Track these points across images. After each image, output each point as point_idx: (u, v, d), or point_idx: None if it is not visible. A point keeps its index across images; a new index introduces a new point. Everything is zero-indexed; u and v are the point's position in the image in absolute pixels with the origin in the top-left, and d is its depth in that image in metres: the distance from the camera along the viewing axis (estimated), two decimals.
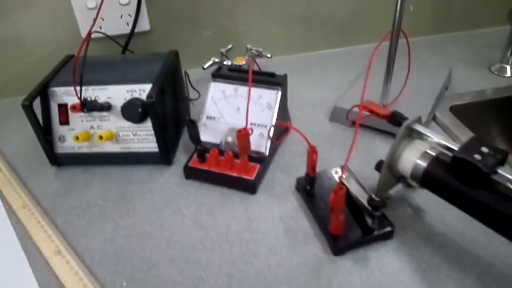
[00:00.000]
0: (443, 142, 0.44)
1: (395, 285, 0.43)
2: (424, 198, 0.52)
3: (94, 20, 0.52)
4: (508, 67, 0.77)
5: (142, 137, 0.57)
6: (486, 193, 0.41)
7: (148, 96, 0.53)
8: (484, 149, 0.42)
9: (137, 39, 0.76)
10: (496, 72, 0.78)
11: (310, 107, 0.71)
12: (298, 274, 0.44)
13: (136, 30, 0.74)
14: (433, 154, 0.45)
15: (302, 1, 0.80)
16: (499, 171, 0.41)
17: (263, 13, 0.80)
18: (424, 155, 0.46)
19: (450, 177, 0.43)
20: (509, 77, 0.77)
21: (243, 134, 0.50)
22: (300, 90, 0.75)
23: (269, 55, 0.74)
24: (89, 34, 0.51)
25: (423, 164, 0.45)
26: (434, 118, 0.66)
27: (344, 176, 0.51)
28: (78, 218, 0.52)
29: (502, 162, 0.42)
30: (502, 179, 0.41)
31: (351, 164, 0.55)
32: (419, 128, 0.46)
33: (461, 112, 0.68)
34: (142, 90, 0.56)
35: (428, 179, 0.45)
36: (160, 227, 0.50)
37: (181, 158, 0.61)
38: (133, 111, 0.55)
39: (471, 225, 0.48)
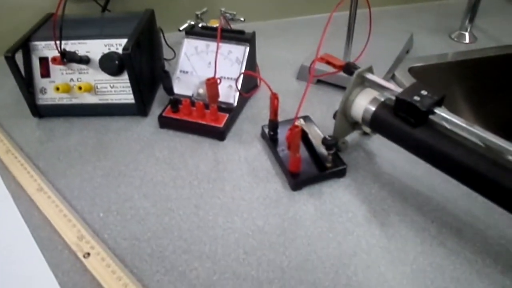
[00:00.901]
0: (387, 85, 0.49)
1: (344, 214, 0.48)
2: (377, 144, 0.58)
3: None
4: (466, 34, 0.83)
5: (119, 89, 0.61)
6: (425, 131, 0.46)
7: (124, 49, 0.57)
8: (424, 92, 0.47)
9: (115, 1, 0.79)
10: (455, 39, 0.83)
11: (280, 68, 0.75)
12: (259, 205, 0.49)
13: None
14: (381, 99, 0.51)
15: None
16: (436, 111, 0.46)
17: None
18: (374, 100, 0.51)
19: (394, 118, 0.48)
20: (467, 43, 0.82)
21: (212, 83, 0.54)
22: (271, 52, 0.79)
23: (242, 19, 0.78)
24: None
25: (372, 108, 0.50)
26: (393, 77, 0.72)
27: (300, 119, 0.57)
28: (59, 162, 0.57)
29: (439, 103, 0.47)
30: (439, 118, 0.46)
31: (314, 116, 0.61)
32: (369, 76, 0.51)
33: (419, 74, 0.73)
34: (119, 45, 0.59)
35: (376, 121, 0.50)
36: (135, 168, 0.55)
37: (156, 111, 0.65)
38: (110, 64, 0.59)
39: (417, 166, 0.54)
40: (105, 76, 0.61)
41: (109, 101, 0.62)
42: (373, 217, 0.48)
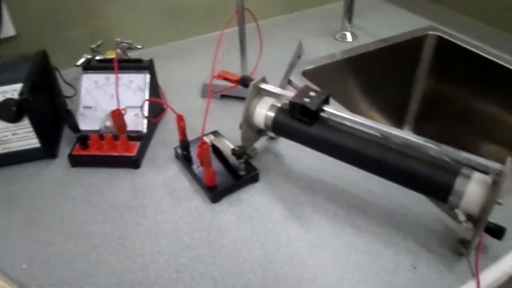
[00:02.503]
0: (280, 92, 0.54)
1: (263, 215, 0.52)
2: (283, 145, 0.63)
3: None
4: (348, 33, 0.92)
5: (22, 135, 0.60)
6: (319, 127, 0.52)
7: (20, 93, 0.56)
8: (312, 94, 0.52)
9: (4, 45, 0.76)
10: (339, 39, 0.92)
11: (184, 88, 0.78)
12: (183, 224, 0.51)
13: (2, 36, 0.75)
14: (278, 105, 0.55)
15: None
16: (325, 108, 0.52)
17: (130, 7, 0.85)
18: (272, 107, 0.55)
19: (292, 120, 0.53)
20: (350, 41, 0.91)
21: (117, 115, 0.55)
22: (174, 74, 0.81)
23: (139, 46, 0.79)
24: None
25: (271, 114, 0.55)
26: (289, 82, 0.77)
27: (209, 134, 0.60)
28: None
29: (326, 101, 0.53)
30: (328, 114, 0.52)
31: (223, 129, 0.64)
32: (264, 86, 0.56)
33: (312, 75, 0.80)
34: (14, 90, 0.58)
35: (277, 126, 0.55)
36: (52, 212, 0.54)
37: (65, 150, 0.64)
38: (8, 111, 0.57)
39: (321, 160, 0.59)
40: (4, 125, 0.59)
41: (13, 149, 0.60)
42: (289, 212, 0.52)
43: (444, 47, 0.92)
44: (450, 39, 0.90)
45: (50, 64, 0.68)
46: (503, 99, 0.85)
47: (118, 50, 0.76)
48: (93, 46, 0.77)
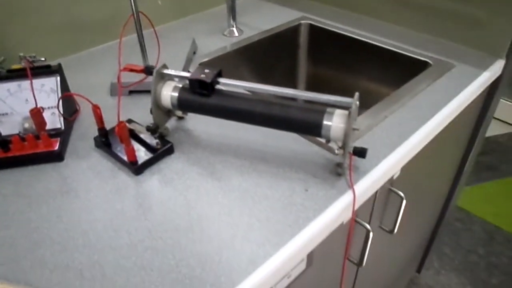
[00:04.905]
0: (180, 74, 0.65)
1: (182, 176, 0.62)
2: (192, 123, 0.73)
3: None
4: (234, 29, 1.05)
5: None
6: (216, 97, 0.63)
7: None
8: (206, 70, 0.63)
9: None
10: (228, 35, 1.05)
11: (93, 92, 0.84)
12: (113, 195, 0.59)
13: None
14: (180, 85, 0.65)
15: (62, 8, 0.92)
16: (219, 80, 0.63)
17: (29, 26, 0.89)
18: (175, 88, 0.65)
19: (193, 96, 0.64)
20: (237, 36, 1.04)
21: (36, 112, 0.61)
22: (81, 83, 0.87)
23: (43, 59, 0.84)
24: None
25: (175, 94, 0.65)
26: None
27: (124, 122, 0.68)
28: None
29: (219, 75, 0.64)
30: (223, 85, 0.64)
31: (139, 119, 0.72)
32: (166, 71, 0.66)
33: (208, 66, 0.91)
34: None
35: (182, 103, 0.65)
36: None
37: None
38: None
39: (225, 127, 0.70)
40: None
41: None
42: (203, 171, 0.62)
43: (316, 32, 1.09)
44: (319, 25, 1.08)
45: None
46: (372, 72, 1.04)
47: (23, 63, 0.81)
48: None
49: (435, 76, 0.84)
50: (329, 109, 0.58)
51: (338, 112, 0.58)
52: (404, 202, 0.74)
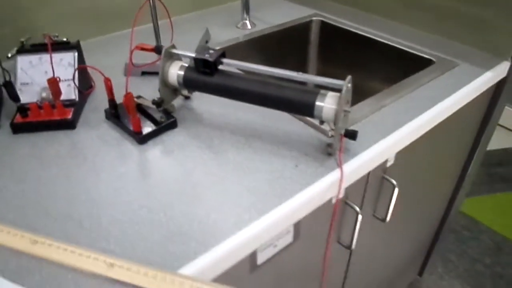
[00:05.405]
0: (187, 53, 0.69)
1: (182, 148, 0.66)
2: (196, 103, 0.77)
3: None
4: (247, 22, 1.09)
5: None
6: (218, 76, 0.67)
7: None
8: (211, 51, 0.68)
9: None
10: (240, 27, 1.09)
11: (108, 71, 0.87)
12: (118, 161, 0.64)
13: None
14: (186, 65, 0.70)
15: None
16: (223, 60, 0.67)
17: (54, 10, 0.96)
18: (181, 67, 0.70)
19: (197, 74, 0.68)
20: (249, 29, 1.09)
21: (53, 81, 0.67)
22: (97, 64, 0.93)
23: (65, 39, 0.90)
24: None
25: (182, 73, 0.69)
26: None
27: (132, 93, 0.73)
28: None
29: (223, 56, 0.68)
30: (225, 66, 0.68)
31: (147, 95, 0.77)
32: (174, 50, 0.70)
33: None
34: None
35: (187, 81, 0.69)
36: (1, 167, 0.63)
37: (6, 124, 0.73)
38: None
39: (225, 109, 0.74)
40: None
41: None
42: (202, 144, 0.67)
43: (326, 29, 1.13)
44: (331, 22, 1.11)
45: None
46: (378, 69, 1.06)
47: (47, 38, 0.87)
48: (23, 39, 0.87)
49: (438, 73, 0.87)
50: (322, 91, 0.62)
51: (331, 94, 0.61)
52: (397, 190, 0.76)
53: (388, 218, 0.80)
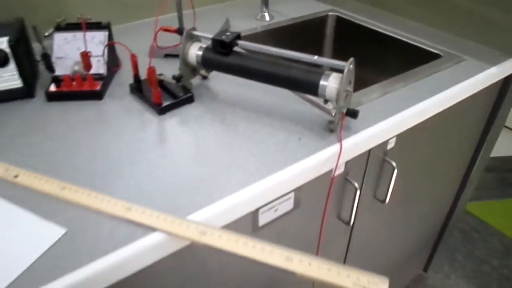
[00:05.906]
0: (205, 35, 0.75)
1: (197, 120, 0.72)
2: (213, 82, 0.84)
3: None
4: (266, 14, 1.15)
5: (6, 78, 0.77)
6: (233, 57, 0.73)
7: (9, 41, 0.73)
8: (228, 33, 0.74)
9: None
10: (259, 19, 1.15)
11: (136, 52, 0.97)
12: (138, 128, 0.71)
13: None
14: (205, 46, 0.76)
15: None
16: (238, 42, 0.74)
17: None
18: (200, 48, 0.76)
19: (214, 54, 0.74)
20: (268, 20, 1.15)
21: (85, 54, 0.74)
22: (131, 44, 1.01)
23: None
24: None
25: (200, 53, 0.76)
26: None
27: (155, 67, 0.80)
28: None
29: (238, 38, 0.74)
30: (240, 47, 0.74)
31: (169, 73, 0.84)
32: (195, 32, 0.77)
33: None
34: (1, 43, 0.75)
35: (205, 60, 0.76)
36: (36, 128, 0.71)
37: (41, 93, 0.81)
38: None
39: (239, 88, 0.80)
40: None
41: (0, 89, 0.77)
42: (216, 118, 0.73)
43: (341, 23, 1.18)
44: (346, 17, 1.16)
45: (25, 27, 0.86)
46: (390, 62, 1.11)
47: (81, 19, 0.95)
48: (58, 20, 0.95)
49: (444, 66, 0.91)
50: (326, 72, 0.67)
51: (334, 74, 0.67)
52: (396, 171, 0.81)
53: (387, 200, 0.85)
